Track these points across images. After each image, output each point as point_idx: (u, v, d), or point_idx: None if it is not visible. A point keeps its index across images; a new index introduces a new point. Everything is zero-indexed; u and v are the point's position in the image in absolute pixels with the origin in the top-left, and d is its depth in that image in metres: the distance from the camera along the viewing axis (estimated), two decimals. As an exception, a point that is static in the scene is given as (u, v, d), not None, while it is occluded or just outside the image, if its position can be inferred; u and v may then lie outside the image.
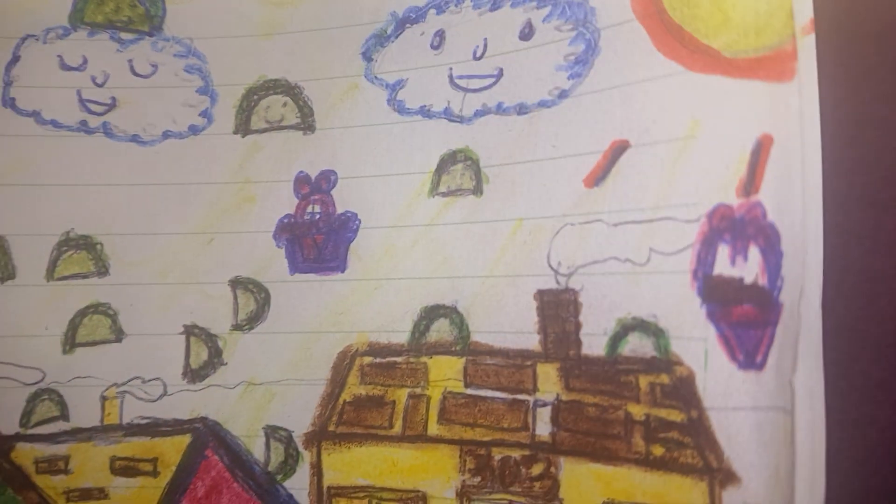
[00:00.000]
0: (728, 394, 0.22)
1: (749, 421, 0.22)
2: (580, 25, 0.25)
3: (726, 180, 0.22)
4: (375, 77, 0.28)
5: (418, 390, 0.27)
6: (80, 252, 0.29)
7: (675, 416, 0.23)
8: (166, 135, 0.29)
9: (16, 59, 0.29)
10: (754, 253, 0.22)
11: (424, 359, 0.27)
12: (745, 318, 0.22)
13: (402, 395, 0.27)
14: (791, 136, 0.21)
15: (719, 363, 0.22)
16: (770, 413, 0.21)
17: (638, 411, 0.23)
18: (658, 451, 0.23)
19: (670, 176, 0.23)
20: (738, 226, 0.22)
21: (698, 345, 0.22)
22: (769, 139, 0.22)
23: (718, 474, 0.22)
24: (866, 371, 0.27)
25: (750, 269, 0.22)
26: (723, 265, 0.22)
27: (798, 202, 0.21)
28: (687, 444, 0.22)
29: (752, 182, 0.22)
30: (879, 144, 0.28)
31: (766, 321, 0.22)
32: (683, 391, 0.23)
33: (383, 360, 0.27)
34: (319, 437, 0.27)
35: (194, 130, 0.29)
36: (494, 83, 0.26)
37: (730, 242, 0.22)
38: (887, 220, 0.28)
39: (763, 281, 0.22)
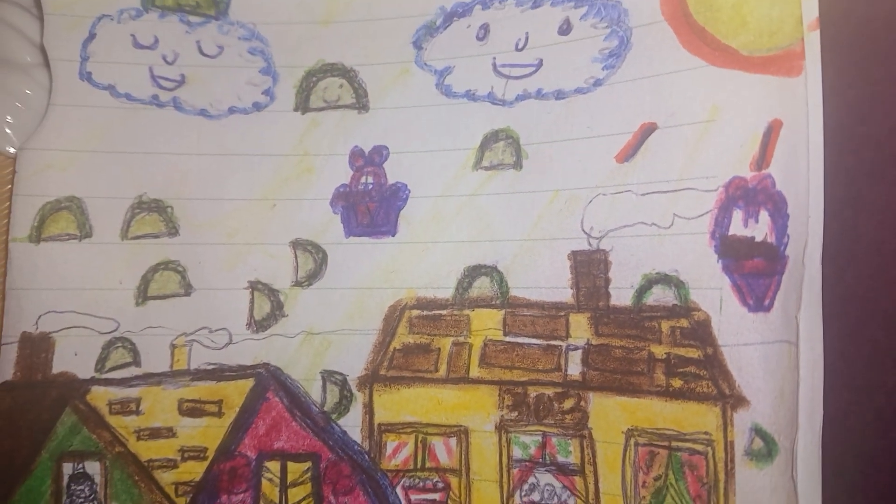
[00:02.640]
0: (739, 332, 0.26)
1: (757, 353, 0.26)
2: (614, 24, 0.28)
3: (741, 156, 0.26)
4: (425, 63, 0.31)
5: (461, 338, 0.30)
6: (152, 214, 0.31)
7: (693, 353, 0.27)
8: (232, 110, 0.31)
9: (92, 36, 0.31)
10: (764, 216, 0.26)
11: (467, 311, 0.30)
12: (756, 269, 0.26)
13: (446, 343, 0.30)
14: (798, 121, 0.25)
15: (732, 308, 0.26)
16: (776, 346, 0.25)
17: (659, 351, 0.28)
18: (677, 383, 0.27)
19: (692, 153, 0.27)
20: (750, 194, 0.26)
21: (714, 293, 0.27)
22: (779, 123, 0.26)
23: (730, 399, 0.26)
24: (874, 338, 0.28)
25: (760, 229, 0.26)
26: (737, 227, 0.26)
27: (803, 174, 0.25)
28: (703, 376, 0.27)
29: (763, 158, 0.26)
30: (889, 124, 0.29)
31: (773, 271, 0.26)
32: (700, 332, 0.27)
33: (430, 313, 0.30)
34: (372, 379, 0.30)
35: (258, 107, 0.31)
36: (535, 72, 0.29)
37: (743, 208, 0.26)
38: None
39: (771, 239, 0.26)
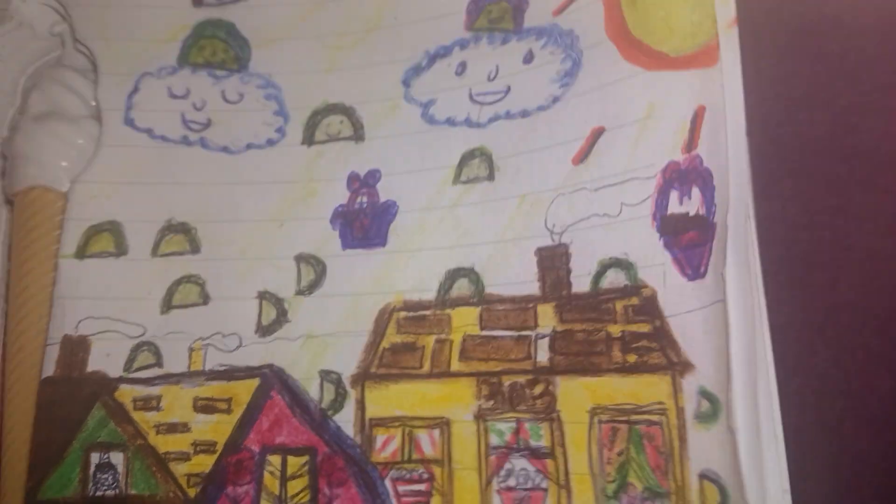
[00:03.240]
0: (682, 302, 0.28)
1: (698, 318, 0.28)
2: (568, 49, 0.32)
3: (674, 143, 0.29)
4: (412, 98, 0.35)
5: (443, 336, 0.32)
6: (179, 235, 0.35)
7: (644, 327, 0.29)
8: (249, 146, 0.36)
9: (136, 89, 0.37)
10: (696, 192, 0.28)
11: (448, 310, 0.33)
12: (691, 241, 0.28)
13: (430, 341, 0.33)
14: (717, 103, 0.28)
15: (674, 279, 0.28)
16: (712, 308, 0.27)
17: (615, 330, 0.30)
18: (632, 358, 0.29)
19: (634, 147, 0.30)
20: (683, 174, 0.29)
21: (658, 269, 0.29)
22: (703, 108, 0.29)
23: (678, 366, 0.28)
24: (867, 344, 0.29)
25: (693, 204, 0.28)
26: (674, 206, 0.29)
27: (724, 148, 0.28)
28: (653, 348, 0.28)
29: (692, 140, 0.29)
30: (879, 132, 0.31)
31: (705, 240, 0.28)
32: (649, 307, 0.29)
33: (415, 314, 0.33)
34: (363, 377, 0.33)
35: (271, 143, 0.36)
36: (504, 97, 0.33)
37: (678, 188, 0.29)
38: (887, 202, 0.30)
39: (702, 211, 0.28)
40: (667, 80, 0.30)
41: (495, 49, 0.34)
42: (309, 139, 0.36)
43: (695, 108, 0.29)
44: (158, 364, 0.34)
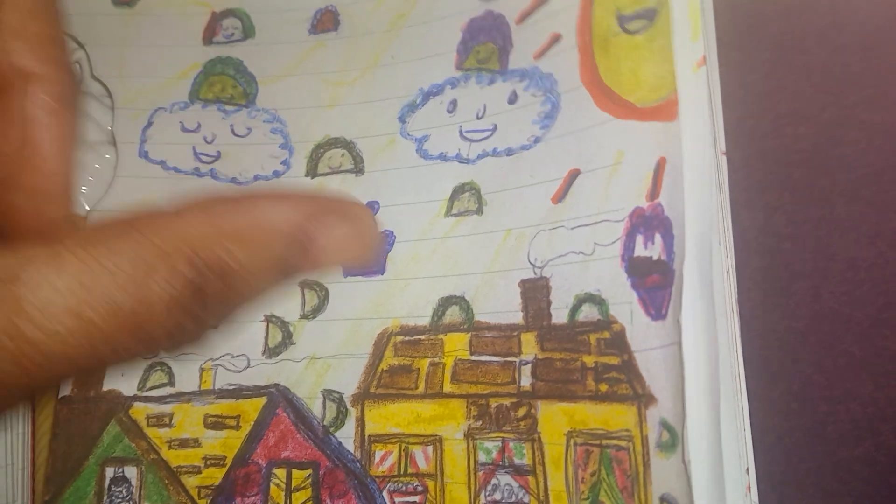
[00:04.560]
0: (646, 339, 0.30)
1: (659, 356, 0.30)
2: (548, 91, 0.34)
3: (640, 190, 0.31)
4: (408, 134, 0.37)
5: (436, 359, 0.35)
6: None
7: (614, 360, 0.31)
8: (256, 177, 0.38)
9: (149, 124, 0.39)
10: (658, 238, 0.30)
11: (441, 336, 0.35)
12: (654, 283, 0.30)
13: (424, 364, 0.35)
14: (676, 157, 0.30)
15: (640, 318, 0.30)
16: (671, 348, 0.29)
17: (589, 360, 0.32)
18: (603, 387, 0.31)
19: (605, 191, 0.32)
20: (647, 221, 0.31)
21: (626, 307, 0.31)
22: (664, 160, 0.31)
23: (643, 398, 0.30)
24: (849, 351, 0.30)
25: (656, 249, 0.30)
26: (640, 249, 0.31)
27: (681, 200, 0.30)
28: (622, 379, 0.31)
29: (655, 190, 0.31)
30: (863, 145, 0.32)
31: (666, 284, 0.30)
32: (618, 341, 0.31)
33: (411, 338, 0.35)
34: (363, 397, 0.35)
35: (276, 174, 0.38)
36: (491, 135, 0.35)
37: (643, 233, 0.31)
38: (868, 213, 0.31)
39: (664, 256, 0.30)
40: (634, 130, 0.32)
41: (483, 88, 0.36)
42: (312, 171, 0.38)
43: (657, 158, 0.31)
44: (171, 383, 0.37)
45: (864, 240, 0.31)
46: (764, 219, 0.33)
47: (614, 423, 0.31)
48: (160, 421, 0.36)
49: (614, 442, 0.31)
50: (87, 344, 0.23)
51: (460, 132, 0.36)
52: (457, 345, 0.35)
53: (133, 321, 0.24)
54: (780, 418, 0.30)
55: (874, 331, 0.30)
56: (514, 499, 0.33)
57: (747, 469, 0.29)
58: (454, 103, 0.37)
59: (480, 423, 0.34)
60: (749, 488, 0.28)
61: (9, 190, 0.29)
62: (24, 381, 0.23)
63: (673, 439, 0.29)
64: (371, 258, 0.29)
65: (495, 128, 0.36)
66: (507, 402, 0.33)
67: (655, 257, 0.31)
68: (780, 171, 0.33)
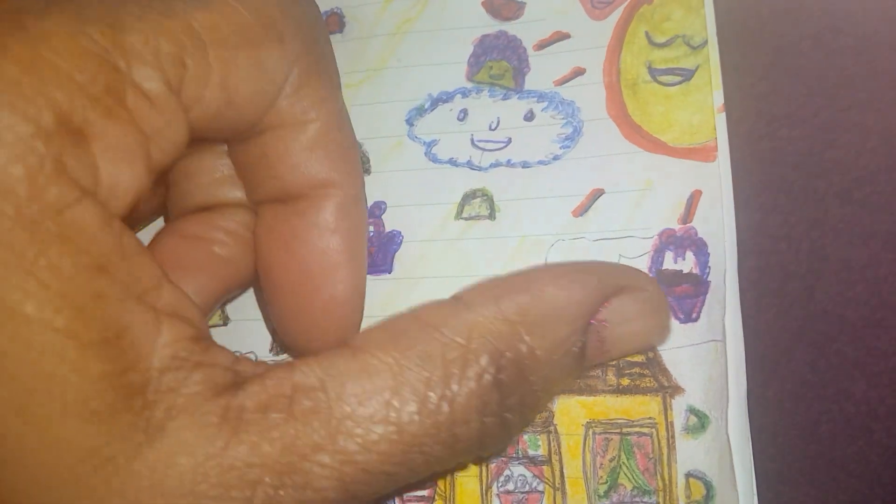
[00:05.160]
0: (673, 339, 0.33)
1: (688, 353, 0.33)
2: (569, 116, 0.36)
3: (670, 215, 0.34)
4: (416, 137, 0.38)
5: (448, 357, 0.37)
6: None
7: (638, 357, 0.33)
8: None
9: None
10: (689, 255, 0.33)
11: (450, 334, 0.37)
12: (685, 292, 0.33)
13: None
14: (713, 191, 0.34)
15: None
16: (704, 345, 0.32)
17: (610, 358, 0.35)
18: (625, 381, 0.34)
19: (633, 211, 0.35)
20: (678, 240, 0.34)
21: None
22: (699, 192, 0.34)
23: (669, 389, 0.33)
24: (842, 351, 0.31)
25: (687, 264, 0.33)
26: (668, 263, 0.34)
27: (718, 225, 0.33)
28: (646, 374, 0.33)
29: (688, 215, 0.34)
30: (856, 148, 0.32)
31: (699, 293, 0.33)
32: (642, 342, 0.34)
33: None
34: None
35: None
36: (505, 146, 0.37)
37: (673, 250, 0.34)
38: (862, 215, 0.31)
39: (696, 270, 0.33)
40: (665, 163, 0.35)
41: (496, 102, 0.38)
42: (317, 170, 0.38)
43: (691, 191, 0.34)
44: (173, 381, 0.36)
45: (858, 241, 0.31)
46: (759, 220, 0.34)
47: (636, 412, 0.33)
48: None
49: (636, 429, 0.33)
50: (399, 452, 0.22)
51: (472, 140, 0.38)
52: (469, 344, 0.36)
53: (441, 422, 0.23)
54: (773, 417, 0.32)
55: (867, 331, 0.31)
56: (527, 488, 0.34)
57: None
58: (465, 112, 0.38)
59: (493, 417, 0.35)
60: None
61: (311, 300, 0.27)
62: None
63: (702, 422, 0.32)
64: (666, 337, 0.29)
65: (510, 140, 0.37)
66: (520, 397, 0.35)
67: (686, 270, 0.33)
68: (775, 172, 0.33)
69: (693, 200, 0.34)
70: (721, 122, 0.34)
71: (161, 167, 0.24)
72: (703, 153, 0.34)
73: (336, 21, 0.40)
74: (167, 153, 0.24)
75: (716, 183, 0.34)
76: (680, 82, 0.35)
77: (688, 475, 0.32)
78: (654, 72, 0.36)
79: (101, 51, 0.21)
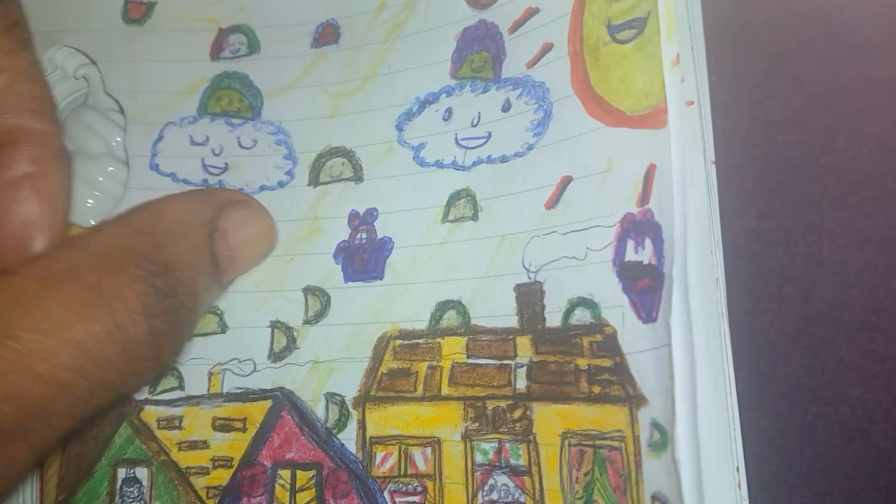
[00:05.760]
0: (636, 341, 0.31)
1: (650, 358, 0.30)
2: (540, 100, 0.35)
3: (630, 196, 0.32)
4: (405, 142, 0.38)
5: (434, 363, 0.35)
6: None
7: (606, 362, 0.31)
8: (262, 188, 0.39)
9: (160, 138, 0.40)
10: (648, 243, 0.31)
11: (438, 339, 0.35)
12: (645, 287, 0.31)
13: (422, 367, 0.36)
14: (665, 163, 0.31)
15: (631, 321, 0.31)
16: (662, 350, 0.29)
17: (582, 363, 0.32)
18: (596, 389, 0.32)
19: (597, 197, 0.33)
20: (637, 226, 0.31)
21: (618, 310, 0.31)
22: (654, 166, 0.31)
23: (634, 399, 0.30)
24: (839, 354, 0.31)
25: (646, 254, 0.31)
26: (630, 254, 0.31)
27: (670, 205, 0.30)
28: (614, 381, 0.31)
29: (645, 196, 0.31)
30: (852, 153, 0.32)
31: (656, 288, 0.30)
32: (610, 344, 0.31)
33: (409, 342, 0.36)
34: (364, 399, 0.36)
35: (281, 184, 0.39)
36: (486, 142, 0.36)
37: (633, 238, 0.31)
38: (858, 219, 0.32)
39: (654, 261, 0.31)
40: (624, 137, 0.32)
41: (477, 97, 0.37)
42: (314, 180, 0.39)
43: (647, 165, 0.32)
44: (181, 387, 0.38)
45: (853, 245, 0.31)
46: (755, 224, 0.33)
47: (607, 423, 0.31)
48: (170, 423, 0.38)
49: (607, 442, 0.31)
50: (82, 379, 0.24)
51: (456, 140, 0.37)
52: (454, 348, 0.35)
53: (111, 328, 0.25)
54: (770, 420, 0.31)
55: (863, 334, 0.31)
56: (510, 499, 0.33)
57: (738, 467, 0.29)
58: (449, 111, 0.37)
59: (477, 424, 0.34)
60: (739, 485, 0.29)
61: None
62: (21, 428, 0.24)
63: (663, 439, 0.29)
64: (275, 238, 0.34)
65: (490, 135, 0.36)
66: (503, 403, 0.34)
67: (646, 261, 0.31)
68: (772, 177, 0.33)
69: (649, 177, 0.31)
70: (673, 78, 0.31)
71: None
72: (655, 118, 0.31)
73: (332, 32, 0.41)
74: None
75: (667, 153, 0.31)
76: (635, 36, 0.33)
77: (654, 498, 0.30)
78: (612, 29, 0.34)
79: None
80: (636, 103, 0.32)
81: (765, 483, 0.30)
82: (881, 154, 0.32)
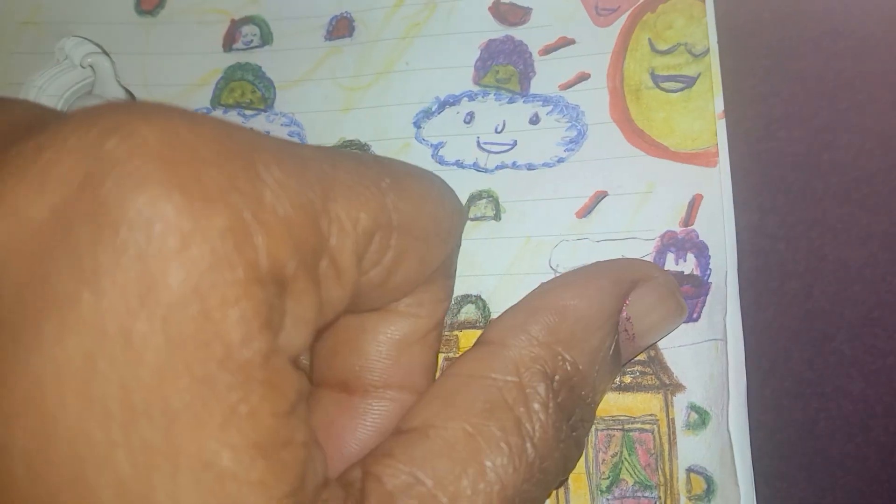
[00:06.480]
0: (674, 338, 0.33)
1: (689, 351, 0.33)
2: (573, 120, 0.36)
3: (672, 217, 0.34)
4: (423, 139, 0.39)
5: (451, 354, 0.37)
6: None
7: (640, 356, 0.34)
8: None
9: None
10: (690, 257, 0.34)
11: (456, 332, 0.37)
12: (686, 293, 0.33)
13: (439, 359, 0.37)
14: (714, 196, 0.34)
15: None
16: (705, 344, 0.33)
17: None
18: (627, 380, 0.34)
19: (635, 214, 0.35)
20: (679, 243, 0.34)
21: None
22: (700, 197, 0.34)
23: (670, 387, 0.33)
24: (840, 349, 0.32)
25: (688, 266, 0.34)
26: (670, 265, 0.34)
27: (719, 228, 0.33)
28: (647, 372, 0.34)
29: (689, 218, 0.34)
30: (855, 149, 0.32)
31: (699, 294, 0.33)
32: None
33: None
34: None
35: None
36: (510, 149, 0.37)
37: (674, 252, 0.34)
38: (860, 215, 0.32)
39: (697, 272, 0.34)
40: (667, 167, 0.35)
41: (502, 105, 0.38)
42: (329, 174, 0.40)
43: (692, 194, 0.34)
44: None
45: (856, 241, 0.32)
46: (758, 220, 0.34)
47: (638, 409, 0.34)
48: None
49: (638, 426, 0.34)
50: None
51: (478, 142, 0.38)
52: (471, 341, 0.37)
53: (532, 461, 0.24)
54: (772, 414, 0.32)
55: (865, 329, 0.31)
56: (530, 483, 0.35)
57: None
58: (471, 115, 0.38)
59: (496, 414, 0.36)
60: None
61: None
62: None
63: (703, 418, 0.33)
64: (684, 314, 0.32)
65: (515, 143, 0.38)
66: (523, 395, 0.36)
67: (687, 272, 0.34)
68: (774, 173, 0.34)
69: (694, 204, 0.34)
70: (721, 128, 0.34)
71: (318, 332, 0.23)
72: (704, 158, 0.34)
73: (346, 26, 0.41)
74: (327, 321, 0.23)
75: (717, 188, 0.34)
76: (682, 89, 0.35)
77: (689, 470, 0.33)
78: (656, 78, 0.36)
79: (315, 211, 0.20)
80: (682, 143, 0.35)
81: (766, 477, 0.31)
82: (884, 150, 0.32)
